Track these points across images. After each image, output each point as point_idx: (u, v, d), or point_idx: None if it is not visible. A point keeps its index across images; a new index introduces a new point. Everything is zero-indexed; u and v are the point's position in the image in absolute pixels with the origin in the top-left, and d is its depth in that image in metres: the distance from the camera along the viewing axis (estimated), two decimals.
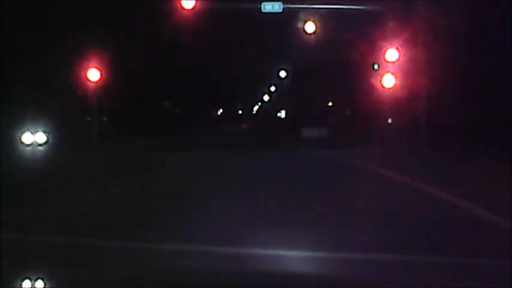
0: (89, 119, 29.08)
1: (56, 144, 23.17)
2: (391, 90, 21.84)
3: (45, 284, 2.92)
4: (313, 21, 23.42)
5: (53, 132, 24.05)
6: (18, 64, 24.39)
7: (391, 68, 21.57)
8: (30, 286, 2.90)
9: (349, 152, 22.56)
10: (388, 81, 21.56)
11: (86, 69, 23.38)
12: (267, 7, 21.78)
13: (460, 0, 20.52)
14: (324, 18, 24.00)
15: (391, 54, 21.49)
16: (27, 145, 22.96)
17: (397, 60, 21.50)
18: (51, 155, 21.01)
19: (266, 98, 71.17)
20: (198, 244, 6.32)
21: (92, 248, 6.30)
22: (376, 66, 23.72)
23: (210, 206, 8.91)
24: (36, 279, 2.96)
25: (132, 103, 35.70)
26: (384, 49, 21.75)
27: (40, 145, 23.23)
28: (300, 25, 24.12)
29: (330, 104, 44.15)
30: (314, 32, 23.84)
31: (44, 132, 23.66)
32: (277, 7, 21.79)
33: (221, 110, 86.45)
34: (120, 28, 29.31)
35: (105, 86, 24.67)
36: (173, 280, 3.03)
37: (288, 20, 26.31)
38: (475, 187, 10.66)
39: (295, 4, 22.82)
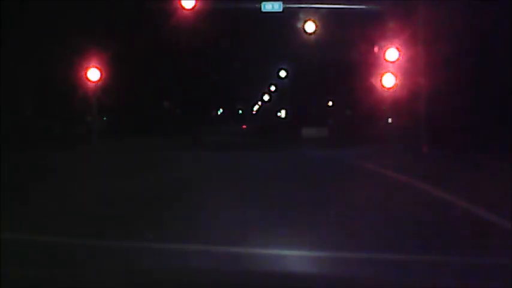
0: (89, 118, 29.08)
1: None
2: (391, 90, 21.86)
3: (45, 284, 2.92)
4: (313, 21, 23.43)
5: None
6: (18, 64, 24.39)
7: (391, 68, 21.59)
8: (30, 286, 2.90)
9: (349, 151, 22.55)
10: (388, 81, 21.58)
11: (86, 69, 23.38)
12: (267, 7, 21.78)
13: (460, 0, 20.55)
14: (324, 18, 24.02)
15: (391, 54, 21.51)
16: None
17: (397, 60, 21.52)
18: None
19: (266, 98, 71.25)
20: (198, 244, 6.32)
21: (91, 248, 6.29)
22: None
23: (210, 205, 8.91)
24: (36, 279, 2.96)
25: (132, 103, 35.67)
26: (384, 49, 21.77)
27: None
28: (300, 25, 24.14)
29: (330, 104, 44.18)
30: (314, 32, 23.85)
31: None
32: (277, 7, 21.79)
33: (221, 110, 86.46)
34: (120, 28, 29.30)
35: (105, 86, 24.67)
36: (173, 280, 3.03)
37: (288, 19, 26.34)
38: (475, 187, 10.66)
39: (295, 4, 22.83)
